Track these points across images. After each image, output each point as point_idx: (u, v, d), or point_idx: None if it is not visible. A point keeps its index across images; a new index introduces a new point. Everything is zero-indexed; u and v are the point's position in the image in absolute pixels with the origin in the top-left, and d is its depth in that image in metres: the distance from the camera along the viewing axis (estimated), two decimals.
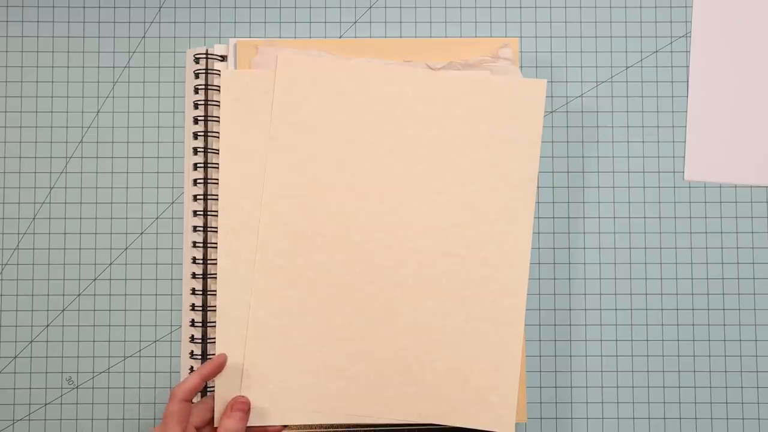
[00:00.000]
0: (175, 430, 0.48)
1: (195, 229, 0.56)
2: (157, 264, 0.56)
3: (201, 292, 0.55)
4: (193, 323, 0.55)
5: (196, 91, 0.56)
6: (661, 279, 0.57)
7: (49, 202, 0.57)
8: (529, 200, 0.54)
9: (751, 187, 0.56)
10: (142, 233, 0.57)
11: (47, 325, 0.56)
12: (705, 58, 0.55)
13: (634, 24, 0.58)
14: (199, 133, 0.56)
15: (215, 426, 0.52)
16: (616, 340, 0.57)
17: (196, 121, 0.56)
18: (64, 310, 0.56)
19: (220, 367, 0.52)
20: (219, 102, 0.55)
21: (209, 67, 0.56)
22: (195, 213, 0.56)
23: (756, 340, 0.56)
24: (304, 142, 0.54)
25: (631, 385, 0.56)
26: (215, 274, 0.54)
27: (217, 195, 0.55)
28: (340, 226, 0.54)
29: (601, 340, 0.57)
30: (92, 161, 0.57)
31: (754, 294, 0.57)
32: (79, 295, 0.56)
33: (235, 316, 0.54)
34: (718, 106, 0.56)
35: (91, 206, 0.57)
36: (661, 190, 0.57)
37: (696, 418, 0.56)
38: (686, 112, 0.56)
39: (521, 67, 0.57)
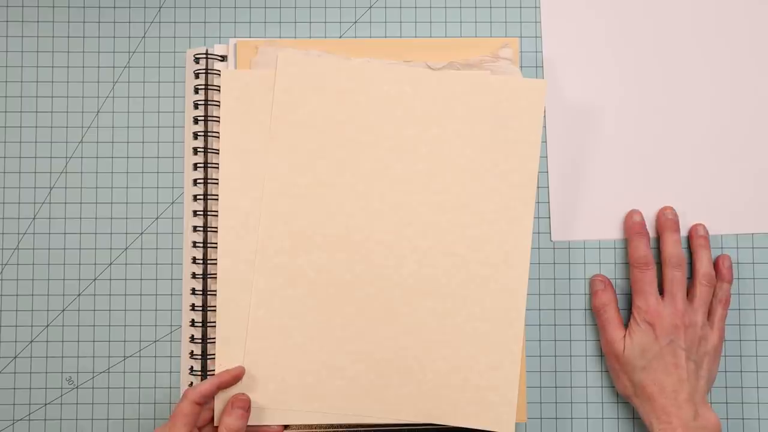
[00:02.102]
0: (182, 430, 0.48)
1: (195, 229, 0.56)
2: (157, 264, 0.56)
3: (201, 292, 0.55)
4: (193, 323, 0.55)
5: (196, 91, 0.56)
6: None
7: (49, 202, 0.57)
8: (529, 200, 0.54)
9: (613, 240, 0.56)
10: (142, 233, 0.57)
11: (47, 325, 0.56)
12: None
13: None
14: (199, 133, 0.56)
15: (215, 425, 0.52)
16: None
17: (196, 121, 0.56)
18: (64, 310, 0.56)
19: (237, 379, 0.52)
20: (219, 102, 0.55)
21: (209, 67, 0.56)
22: (195, 213, 0.56)
23: (756, 340, 0.56)
24: (304, 142, 0.54)
25: None
26: (215, 274, 0.54)
27: (217, 195, 0.55)
28: (340, 225, 0.54)
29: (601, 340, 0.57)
30: (92, 161, 0.57)
31: (754, 294, 0.57)
32: (79, 295, 0.56)
33: (235, 316, 0.54)
34: (573, 177, 0.56)
35: (91, 206, 0.57)
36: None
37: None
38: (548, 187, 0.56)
39: (521, 67, 0.57)
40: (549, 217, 0.56)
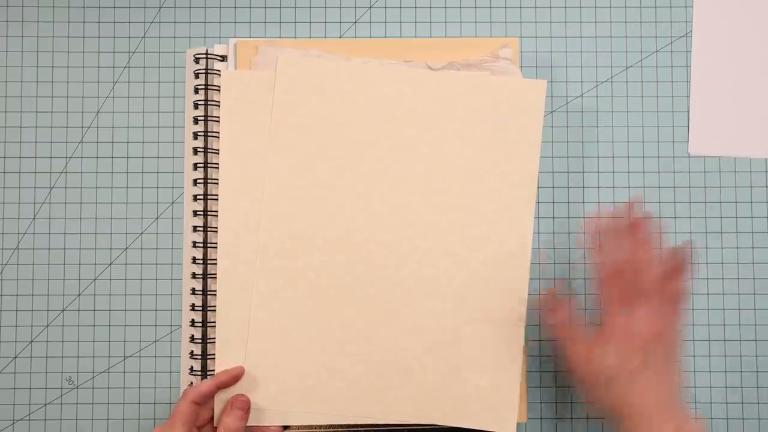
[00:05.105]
0: (180, 430, 0.49)
1: (195, 229, 0.56)
2: (157, 264, 0.56)
3: (201, 292, 0.55)
4: (193, 323, 0.55)
5: (196, 91, 0.56)
6: None
7: (49, 202, 0.57)
8: (529, 200, 0.54)
9: (750, 159, 0.54)
10: (142, 233, 0.57)
11: (47, 325, 0.56)
12: (707, 38, 0.55)
13: (634, 24, 0.58)
14: (199, 133, 0.56)
15: (215, 425, 0.52)
16: None
17: (196, 121, 0.56)
18: (64, 310, 0.56)
19: (236, 379, 0.53)
20: (219, 102, 0.55)
21: (209, 67, 0.56)
22: (195, 213, 0.56)
23: (756, 340, 0.56)
24: (304, 143, 0.54)
25: None
26: (215, 274, 0.54)
27: (217, 195, 0.55)
28: (340, 226, 0.54)
29: None
30: (92, 161, 0.57)
31: (755, 294, 0.57)
32: (79, 295, 0.56)
33: (235, 317, 0.54)
34: (719, 82, 0.55)
35: (91, 206, 0.57)
36: (661, 190, 0.57)
37: (695, 419, 0.56)
38: (689, 83, 0.55)
39: (521, 67, 0.56)
40: (688, 127, 0.56)
